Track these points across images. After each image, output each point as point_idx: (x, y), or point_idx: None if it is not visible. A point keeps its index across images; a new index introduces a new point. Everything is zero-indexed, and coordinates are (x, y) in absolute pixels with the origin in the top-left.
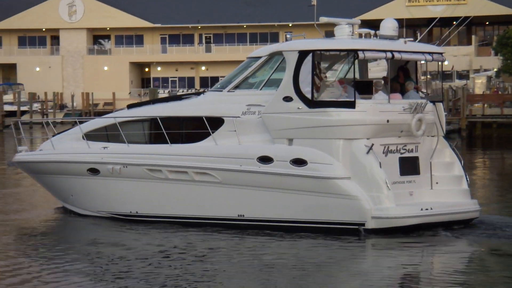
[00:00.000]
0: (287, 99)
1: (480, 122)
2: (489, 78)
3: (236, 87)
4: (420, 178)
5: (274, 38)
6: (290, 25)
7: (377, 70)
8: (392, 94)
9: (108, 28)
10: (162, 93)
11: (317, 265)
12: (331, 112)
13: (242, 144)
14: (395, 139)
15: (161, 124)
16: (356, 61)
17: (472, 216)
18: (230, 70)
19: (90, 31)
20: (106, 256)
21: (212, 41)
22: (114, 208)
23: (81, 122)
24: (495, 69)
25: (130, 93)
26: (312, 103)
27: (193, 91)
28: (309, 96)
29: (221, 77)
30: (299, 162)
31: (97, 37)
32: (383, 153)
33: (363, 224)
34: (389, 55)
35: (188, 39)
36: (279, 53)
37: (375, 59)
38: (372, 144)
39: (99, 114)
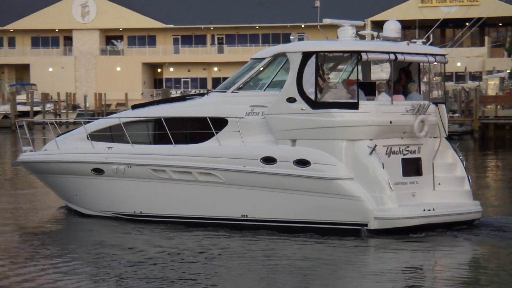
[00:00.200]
0: (291, 100)
1: (493, 124)
2: (502, 80)
3: (240, 88)
4: (423, 179)
5: (287, 39)
6: (303, 25)
7: (380, 73)
8: (395, 95)
9: (120, 29)
10: (175, 94)
11: (319, 266)
12: (334, 113)
13: (246, 144)
14: (397, 140)
15: (165, 125)
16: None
17: (474, 217)
18: None
19: (103, 31)
20: (110, 255)
21: (224, 42)
22: (118, 208)
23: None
24: (508, 70)
25: (142, 93)
26: (315, 104)
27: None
28: (312, 97)
29: None
30: (302, 162)
31: (110, 37)
32: (386, 154)
33: (366, 225)
34: (392, 56)
35: (200, 40)
36: (283, 54)
37: (379, 61)
38: (375, 145)
39: (112, 114)
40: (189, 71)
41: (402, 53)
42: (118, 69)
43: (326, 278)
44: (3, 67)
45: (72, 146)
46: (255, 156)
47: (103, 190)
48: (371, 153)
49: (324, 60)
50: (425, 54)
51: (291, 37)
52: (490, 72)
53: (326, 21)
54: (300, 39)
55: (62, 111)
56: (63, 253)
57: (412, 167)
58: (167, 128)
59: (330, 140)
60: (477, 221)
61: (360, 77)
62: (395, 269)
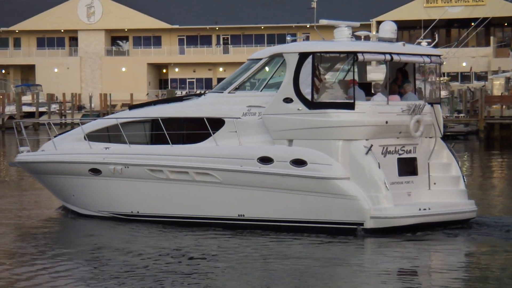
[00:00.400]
0: (287, 100)
1: (498, 124)
2: (507, 80)
3: (237, 88)
4: (418, 178)
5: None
6: (308, 26)
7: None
8: (391, 95)
9: (126, 29)
10: (180, 95)
11: (315, 265)
12: (330, 113)
13: (243, 144)
14: (393, 140)
15: (162, 125)
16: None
17: (469, 216)
18: None
19: (108, 32)
20: (107, 256)
21: (229, 42)
22: (116, 208)
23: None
24: None
25: (148, 94)
26: (312, 105)
27: None
28: (309, 97)
29: None
30: (299, 162)
31: (115, 38)
32: (382, 154)
33: (362, 224)
34: (388, 57)
35: (205, 40)
36: (280, 55)
37: (375, 61)
38: (371, 145)
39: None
40: (194, 71)
41: (397, 54)
42: (124, 69)
43: (322, 277)
44: (9, 67)
45: (69, 147)
46: (252, 156)
47: (101, 190)
48: (367, 153)
49: (321, 61)
50: (421, 55)
51: (288, 38)
52: (495, 72)
53: (323, 22)
54: (293, 41)
55: (67, 111)
56: (60, 253)
57: (407, 167)
58: (164, 129)
59: (327, 140)
60: (472, 220)
61: (356, 78)
62: (390, 268)
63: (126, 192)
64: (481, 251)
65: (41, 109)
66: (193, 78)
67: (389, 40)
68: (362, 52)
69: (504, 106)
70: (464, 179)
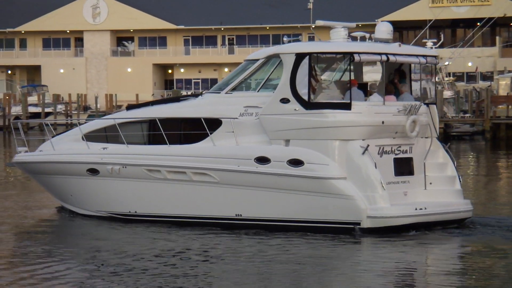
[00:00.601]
0: (284, 100)
1: (504, 124)
2: None
3: (234, 89)
4: (414, 178)
5: (297, 40)
6: (313, 26)
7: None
8: (387, 96)
9: (131, 30)
10: (185, 95)
11: (312, 264)
12: (327, 113)
13: (240, 145)
14: (390, 140)
15: (159, 125)
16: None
17: (465, 216)
18: None
19: (113, 33)
20: (105, 256)
21: (235, 43)
22: (113, 208)
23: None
24: None
25: (153, 94)
26: (308, 105)
27: None
28: (305, 98)
29: None
30: (295, 162)
31: (121, 38)
32: (378, 153)
33: (358, 224)
34: (384, 58)
35: (211, 41)
36: (276, 56)
37: (371, 62)
38: (368, 145)
39: None
40: (199, 72)
41: (393, 54)
42: (129, 70)
43: (319, 276)
44: (15, 68)
45: (67, 147)
46: (249, 156)
47: (98, 190)
48: (363, 153)
49: (317, 61)
50: (416, 55)
51: (285, 38)
52: (501, 72)
53: (319, 22)
54: (295, 41)
55: (73, 112)
56: (58, 253)
57: (404, 167)
58: (161, 129)
59: (323, 140)
60: (468, 219)
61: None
62: (387, 268)
63: (123, 192)
64: (476, 251)
65: (47, 110)
66: (199, 79)
67: (385, 41)
68: (358, 53)
69: (510, 106)
70: (459, 178)
